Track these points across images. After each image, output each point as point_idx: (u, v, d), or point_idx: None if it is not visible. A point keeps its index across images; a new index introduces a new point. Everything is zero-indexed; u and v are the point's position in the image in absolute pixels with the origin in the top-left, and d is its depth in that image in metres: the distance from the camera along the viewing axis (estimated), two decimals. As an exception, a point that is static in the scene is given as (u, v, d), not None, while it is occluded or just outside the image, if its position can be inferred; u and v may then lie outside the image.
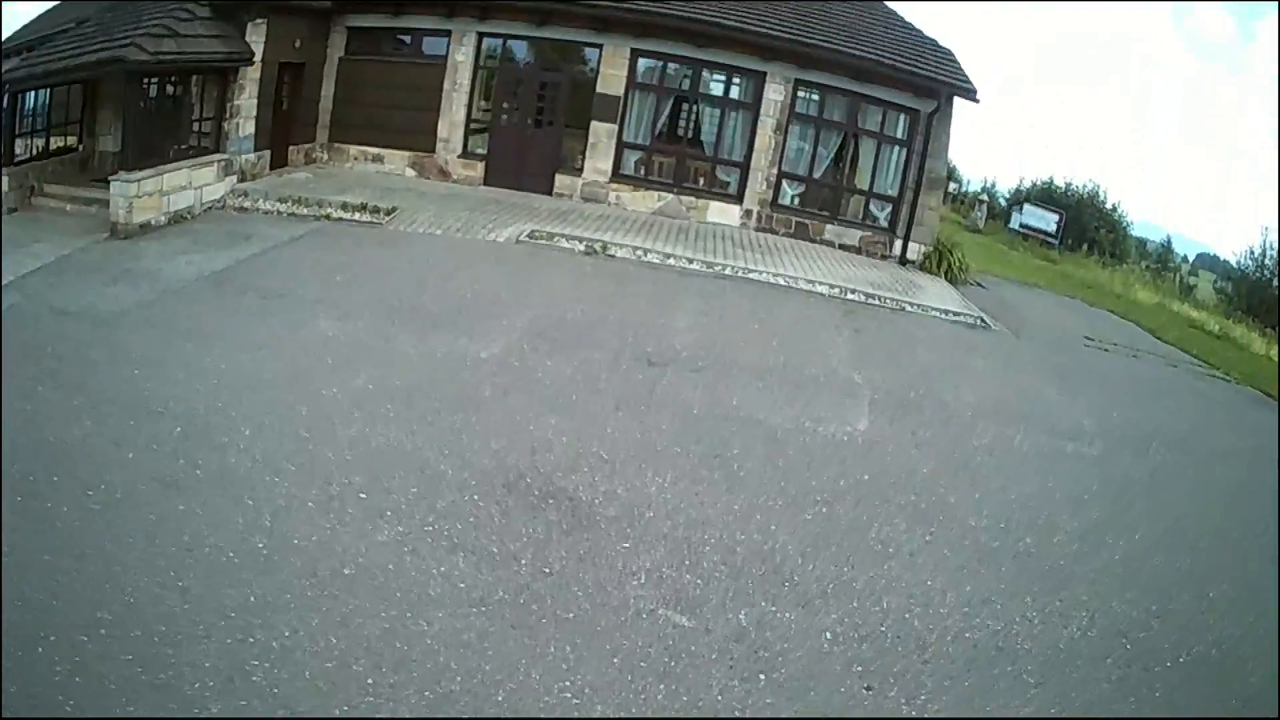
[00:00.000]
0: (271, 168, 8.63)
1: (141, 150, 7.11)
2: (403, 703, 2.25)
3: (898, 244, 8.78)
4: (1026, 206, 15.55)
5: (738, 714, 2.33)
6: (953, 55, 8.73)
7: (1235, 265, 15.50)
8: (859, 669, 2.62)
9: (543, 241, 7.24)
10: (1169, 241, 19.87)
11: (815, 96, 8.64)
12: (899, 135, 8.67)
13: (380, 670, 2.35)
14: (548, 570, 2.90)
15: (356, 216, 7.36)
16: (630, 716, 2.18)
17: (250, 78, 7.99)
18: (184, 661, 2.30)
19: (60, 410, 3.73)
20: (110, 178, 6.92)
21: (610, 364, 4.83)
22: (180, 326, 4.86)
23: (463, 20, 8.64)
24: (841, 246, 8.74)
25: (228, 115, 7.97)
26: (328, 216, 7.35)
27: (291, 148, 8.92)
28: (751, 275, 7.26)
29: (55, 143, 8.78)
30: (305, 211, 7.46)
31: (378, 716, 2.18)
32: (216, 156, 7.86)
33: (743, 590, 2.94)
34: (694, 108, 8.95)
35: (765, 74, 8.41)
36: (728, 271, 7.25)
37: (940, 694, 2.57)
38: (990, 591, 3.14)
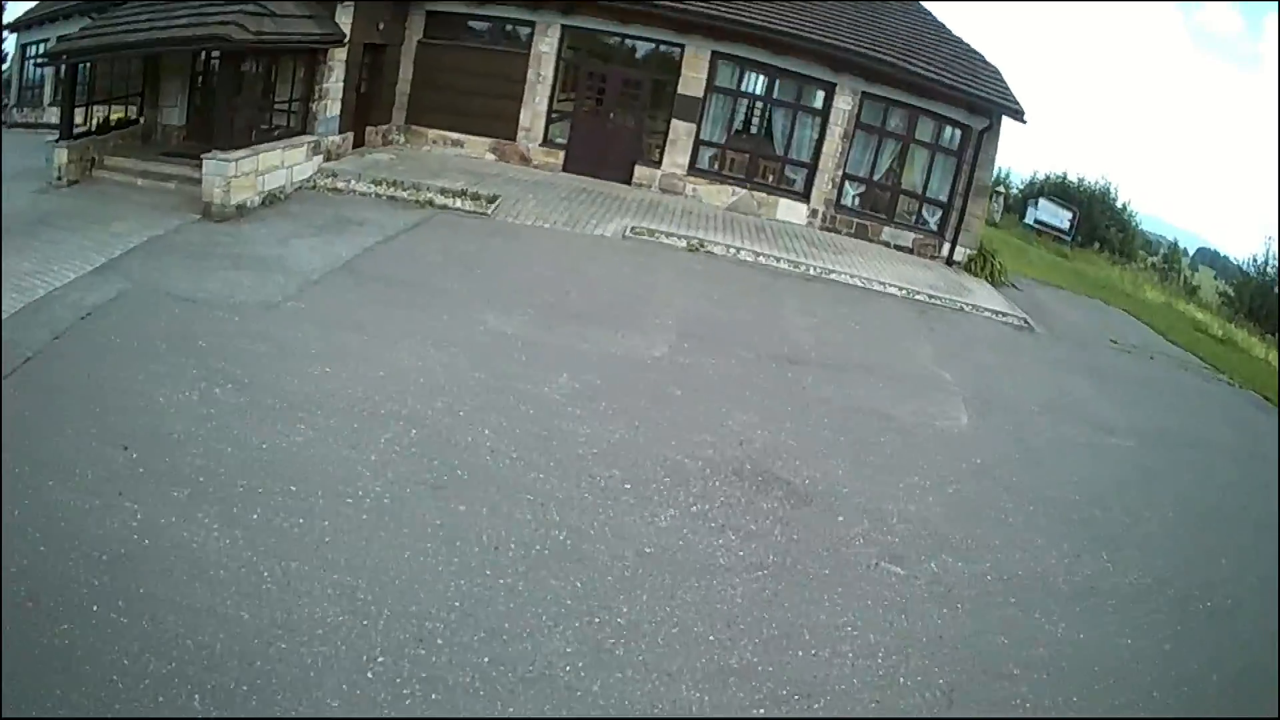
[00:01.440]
0: (353, 148, 8.62)
1: (234, 128, 7.03)
2: (741, 652, 2.75)
3: (946, 247, 9.52)
4: (1041, 201, 15.73)
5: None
6: (1000, 74, 9.43)
7: (1239, 267, 16.15)
8: (1011, 599, 3.47)
9: (646, 238, 7.56)
10: (1175, 244, 20.54)
11: (879, 107, 9.19)
12: (951, 147, 9.36)
13: (719, 629, 2.86)
14: (795, 538, 3.51)
15: (460, 205, 7.52)
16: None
17: (339, 59, 7.94)
18: (549, 651, 2.64)
19: (257, 414, 3.72)
20: (203, 156, 6.83)
21: (758, 363, 5.34)
22: (339, 319, 4.94)
23: (547, 12, 8.77)
24: (897, 247, 9.41)
25: (316, 96, 7.90)
26: (430, 203, 7.48)
27: (369, 129, 8.90)
28: (832, 276, 7.79)
29: (115, 114, 8.43)
30: (404, 195, 7.57)
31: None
32: (306, 137, 7.83)
33: (925, 547, 3.69)
34: (767, 110, 9.35)
35: (835, 85, 8.94)
36: (812, 272, 7.75)
37: (1062, 618, 3.39)
38: (1076, 548, 3.95)
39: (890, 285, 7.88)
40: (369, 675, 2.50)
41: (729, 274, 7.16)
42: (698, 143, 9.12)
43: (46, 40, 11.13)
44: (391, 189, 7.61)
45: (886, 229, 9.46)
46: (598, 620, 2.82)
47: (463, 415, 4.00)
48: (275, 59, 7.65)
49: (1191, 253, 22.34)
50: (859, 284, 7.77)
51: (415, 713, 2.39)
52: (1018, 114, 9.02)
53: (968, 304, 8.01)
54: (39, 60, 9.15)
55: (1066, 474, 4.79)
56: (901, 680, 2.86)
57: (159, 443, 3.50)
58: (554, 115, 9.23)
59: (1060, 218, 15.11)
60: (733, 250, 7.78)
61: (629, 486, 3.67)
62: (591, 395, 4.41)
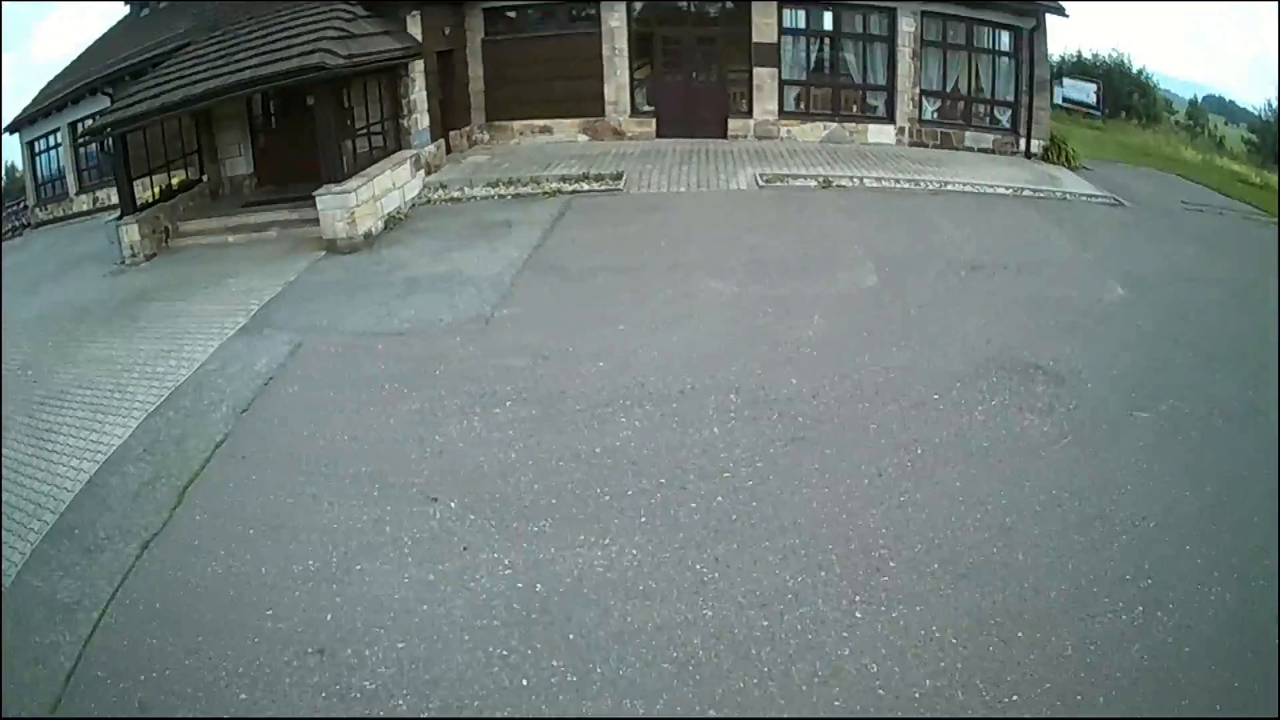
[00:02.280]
0: (445, 156, 8.22)
1: (337, 160, 6.47)
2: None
3: (1021, 142, 9.77)
4: (1066, 80, 15.71)
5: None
6: (1037, -26, 9.70)
7: (1257, 115, 16.34)
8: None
9: (778, 184, 7.42)
10: (1197, 100, 20.22)
11: (937, 24, 9.49)
12: (1008, 49, 9.68)
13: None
14: (1072, 409, 3.62)
15: (589, 187, 7.20)
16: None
17: (419, 70, 7.59)
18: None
19: (567, 421, 3.57)
20: (315, 194, 6.30)
21: (954, 274, 5.29)
22: (568, 315, 4.73)
23: (610, -11, 8.62)
24: (979, 150, 9.68)
25: (405, 111, 7.46)
26: (559, 191, 7.14)
27: (452, 134, 8.54)
28: (950, 188, 7.78)
29: (175, 178, 7.75)
30: (527, 190, 7.22)
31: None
32: (406, 153, 7.37)
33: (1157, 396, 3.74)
34: (839, 44, 9.51)
35: (895, 10, 9.21)
36: (932, 186, 7.74)
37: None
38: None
39: (998, 186, 7.97)
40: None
41: (869, 202, 7.09)
42: (781, 85, 9.13)
43: (55, 130, 10.35)
44: (510, 187, 7.22)
45: (968, 134, 9.68)
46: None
47: (770, 370, 3.90)
48: (350, 82, 7.13)
49: (1196, 101, 21.68)
50: (973, 190, 7.83)
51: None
52: (1058, 10, 9.37)
53: (1066, 192, 8.18)
54: (81, 140, 8.38)
55: (1234, 332, 4.65)
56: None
57: (498, 481, 3.26)
58: (636, 85, 9.09)
59: (1086, 92, 15.34)
60: (857, 180, 7.71)
61: (959, 385, 3.80)
62: (853, 329, 4.39)
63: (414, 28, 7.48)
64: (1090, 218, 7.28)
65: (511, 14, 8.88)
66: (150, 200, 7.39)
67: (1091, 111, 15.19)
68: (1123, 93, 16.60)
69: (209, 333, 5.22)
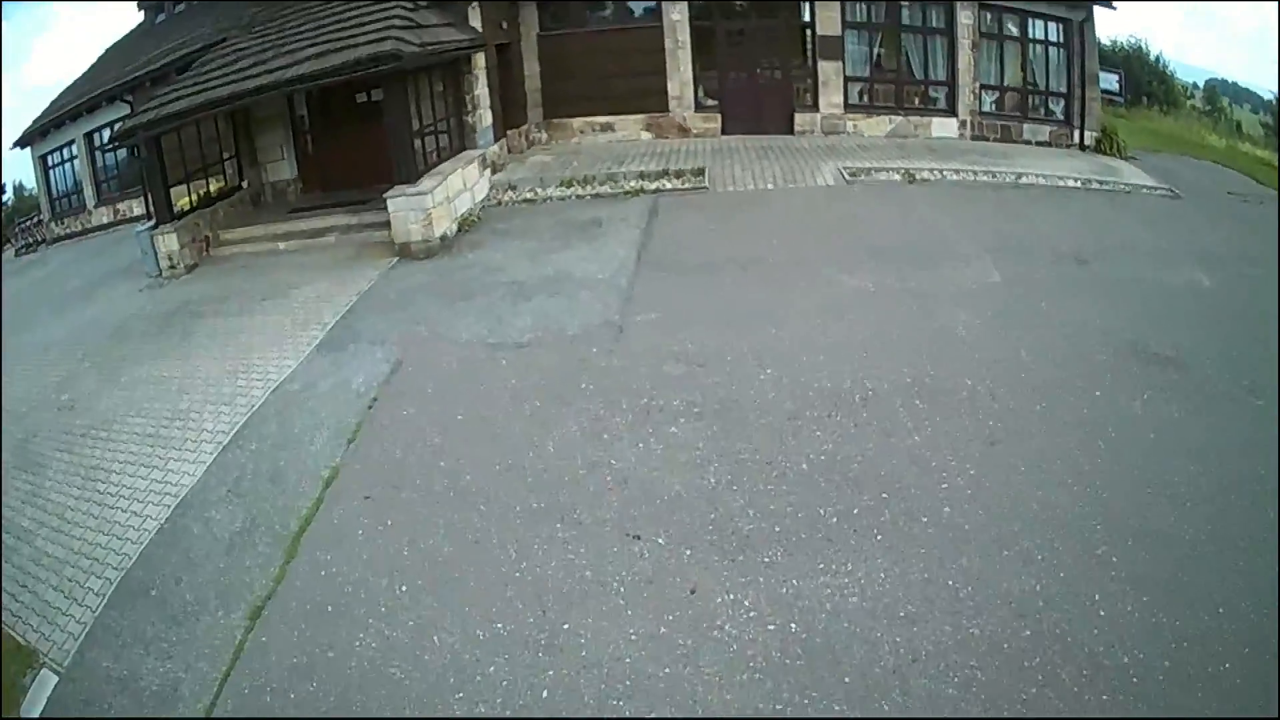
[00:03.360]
0: (507, 155, 7.70)
1: (410, 159, 5.83)
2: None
3: (1075, 133, 9.60)
4: None
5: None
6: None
7: (1260, 96, 16.50)
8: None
9: (864, 178, 7.04)
10: (1215, 86, 20.20)
11: (994, 17, 9.35)
12: (1059, 40, 9.52)
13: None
14: (1188, 399, 3.47)
15: (672, 184, 6.71)
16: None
17: (481, 65, 7.06)
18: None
19: (758, 430, 3.23)
20: (386, 196, 5.74)
21: (1063, 266, 5.02)
22: (712, 315, 4.28)
23: (672, -20, 8.23)
24: (1037, 142, 9.49)
25: (469, 108, 6.93)
26: (641, 190, 6.64)
27: (510, 132, 8.01)
28: (1024, 180, 7.50)
29: (213, 185, 7.10)
30: (606, 190, 6.71)
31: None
32: (472, 152, 6.84)
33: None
34: (900, 38, 9.26)
35: (955, 2, 9.01)
36: (1009, 179, 7.46)
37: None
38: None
39: (1067, 178, 7.77)
40: None
41: (956, 195, 6.78)
42: (846, 80, 8.81)
43: (70, 142, 9.63)
44: (587, 186, 6.71)
45: (1025, 126, 9.49)
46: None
47: (940, 367, 3.61)
48: (415, 77, 6.57)
49: (1202, 86, 21.77)
50: (1045, 182, 7.59)
51: None
52: (1107, 2, 9.30)
53: (1127, 184, 8.01)
54: (109, 146, 7.68)
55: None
56: None
57: (705, 508, 2.80)
58: (699, 79, 8.68)
59: (1109, 81, 15.76)
60: (938, 174, 7.37)
61: (1109, 376, 3.68)
62: (995, 321, 4.14)
63: (475, 19, 6.99)
64: (1156, 208, 7.22)
65: (569, 7, 8.41)
66: (187, 208, 6.75)
67: (1115, 99, 15.14)
68: (1143, 80, 16.81)
69: (283, 348, 4.57)
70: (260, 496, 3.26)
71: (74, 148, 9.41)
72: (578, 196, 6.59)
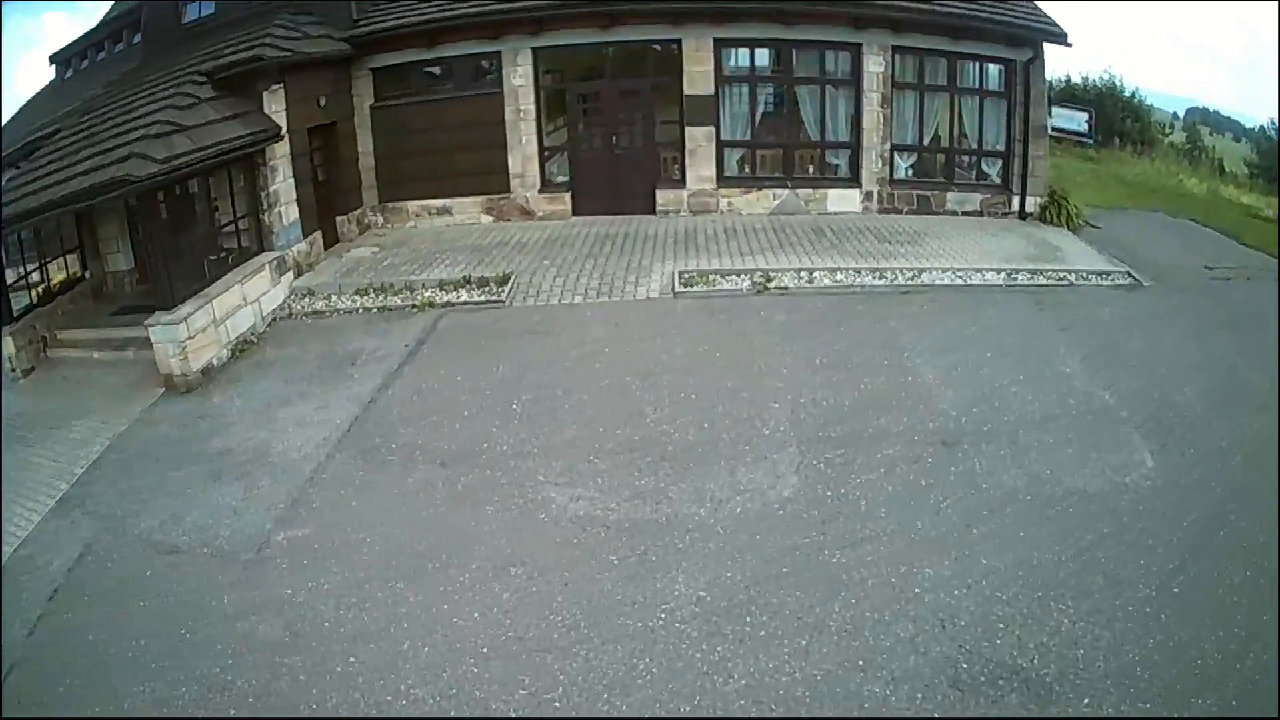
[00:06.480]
0: (325, 249, 7.29)
1: (172, 276, 5.60)
2: None
3: (1015, 200, 8.04)
4: (1055, 109, 14.48)
5: None
6: (1033, -2, 7.76)
7: (1261, 132, 15.23)
8: None
9: (700, 288, 6.06)
10: (1193, 123, 19.23)
11: (913, 60, 7.70)
12: (998, 88, 7.87)
13: None
14: None
15: (467, 296, 6.12)
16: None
17: (281, 154, 6.56)
18: None
19: None
20: (147, 323, 5.49)
21: (911, 456, 4.00)
22: (392, 553, 3.71)
23: (513, 38, 7.28)
24: (964, 213, 7.95)
25: (264, 206, 6.53)
26: (430, 304, 6.09)
27: (339, 219, 7.55)
28: (924, 278, 6.31)
29: (54, 276, 7.24)
30: (397, 302, 6.20)
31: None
32: (265, 256, 6.48)
33: None
34: (791, 92, 7.80)
35: (861, 45, 7.44)
36: (901, 280, 6.26)
37: None
38: None
39: (987, 271, 6.49)
40: None
41: (811, 315, 5.68)
42: (720, 147, 7.59)
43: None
44: (379, 296, 6.25)
45: (950, 195, 7.99)
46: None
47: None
48: (202, 178, 6.19)
49: (1181, 115, 20.54)
50: (958, 280, 6.34)
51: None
52: (1060, 37, 7.52)
53: (1070, 271, 6.67)
54: None
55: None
56: None
57: None
58: (547, 153, 7.75)
59: (1077, 121, 14.19)
60: (805, 276, 6.26)
61: None
62: (734, 618, 3.02)
63: (274, 106, 6.44)
64: (1099, 313, 5.91)
65: (403, 72, 7.56)
66: (29, 306, 6.93)
67: (1083, 140, 14.02)
68: (1115, 118, 15.20)
69: (36, 500, 4.45)
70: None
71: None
72: (364, 309, 6.13)
